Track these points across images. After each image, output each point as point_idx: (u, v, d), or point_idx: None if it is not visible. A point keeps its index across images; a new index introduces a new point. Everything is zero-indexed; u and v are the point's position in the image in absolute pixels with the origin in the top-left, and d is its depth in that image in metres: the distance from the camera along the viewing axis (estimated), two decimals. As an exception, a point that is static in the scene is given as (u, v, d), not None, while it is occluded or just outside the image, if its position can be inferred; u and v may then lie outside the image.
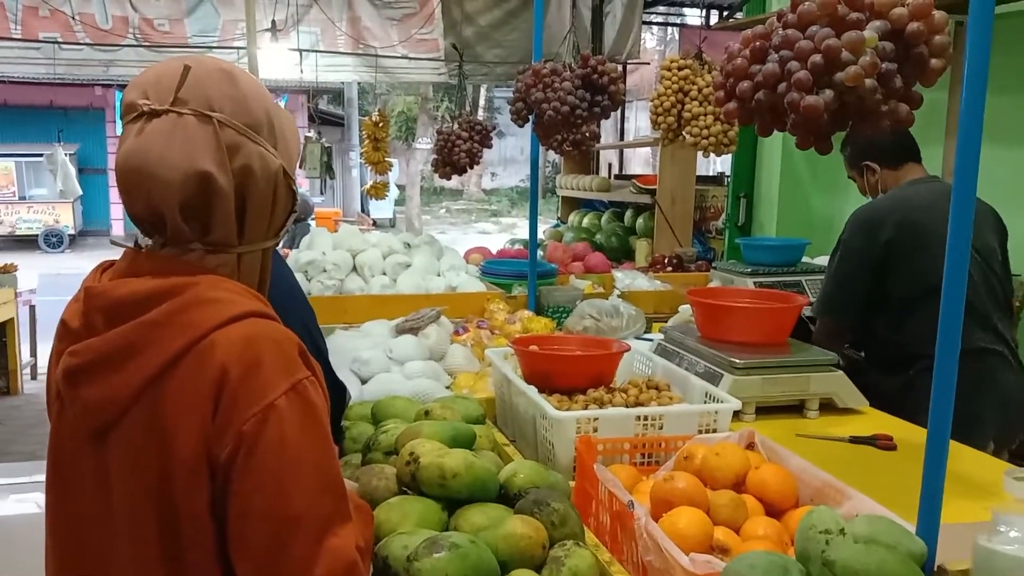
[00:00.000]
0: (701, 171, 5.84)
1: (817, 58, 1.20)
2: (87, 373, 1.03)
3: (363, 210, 16.10)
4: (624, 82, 3.02)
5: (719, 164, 10.66)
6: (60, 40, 5.09)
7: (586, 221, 6.04)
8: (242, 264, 1.11)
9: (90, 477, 1.06)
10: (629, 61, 6.07)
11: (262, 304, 1.08)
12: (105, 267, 1.13)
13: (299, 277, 3.22)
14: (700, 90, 3.07)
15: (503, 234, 17.93)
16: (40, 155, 15.66)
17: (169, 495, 1.00)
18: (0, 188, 17.02)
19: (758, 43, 1.33)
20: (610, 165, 7.76)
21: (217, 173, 1.03)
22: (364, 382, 2.35)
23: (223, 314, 1.02)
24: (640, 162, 16.57)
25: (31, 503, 4.05)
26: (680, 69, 3.13)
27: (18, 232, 17.23)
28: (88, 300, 1.07)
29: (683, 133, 3.15)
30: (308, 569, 0.98)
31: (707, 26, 6.63)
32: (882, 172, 2.67)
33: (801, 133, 1.27)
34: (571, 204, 6.68)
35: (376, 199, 6.56)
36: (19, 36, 5.03)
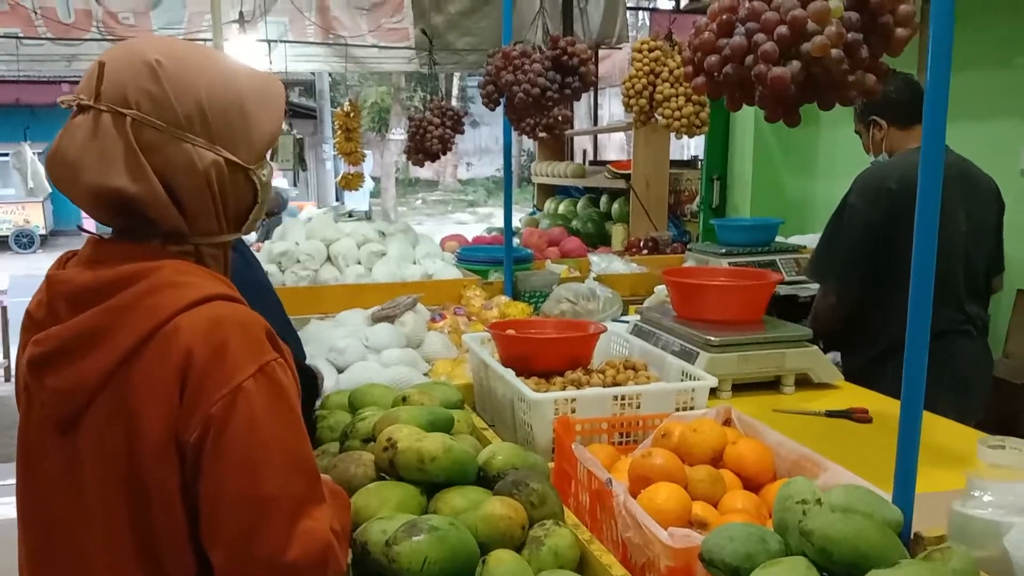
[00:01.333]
0: (675, 155, 5.86)
1: (783, 29, 1.20)
2: (52, 361, 1.01)
3: (337, 202, 15.99)
4: (596, 66, 3.01)
5: (692, 148, 10.70)
6: (21, 35, 4.99)
7: (562, 208, 6.04)
8: (203, 256, 1.09)
9: (61, 467, 1.05)
10: (615, 45, 6.04)
11: (228, 288, 1.07)
12: (68, 256, 1.12)
13: (272, 268, 3.19)
14: (671, 71, 3.08)
15: (480, 224, 17.89)
16: (6, 154, 15.40)
17: (139, 481, 0.99)
18: (-34, 188, 16.74)
19: (725, 16, 1.32)
20: (584, 151, 7.75)
21: (129, 184, 0.99)
22: (341, 371, 2.33)
23: (188, 297, 1.00)
24: (614, 148, 16.58)
25: (9, 506, 3.99)
26: (651, 51, 3.13)
27: (-12, 232, 16.98)
28: (51, 288, 1.05)
29: (655, 115, 3.15)
30: (282, 552, 0.97)
31: (677, 9, 6.63)
32: (889, 130, 2.59)
33: (769, 106, 1.26)
34: (546, 191, 6.67)
35: (350, 190, 6.51)
36: (-21, 32, 4.92)
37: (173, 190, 1.03)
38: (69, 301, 1.03)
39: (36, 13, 4.95)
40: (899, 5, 1.22)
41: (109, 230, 1.11)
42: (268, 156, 1.15)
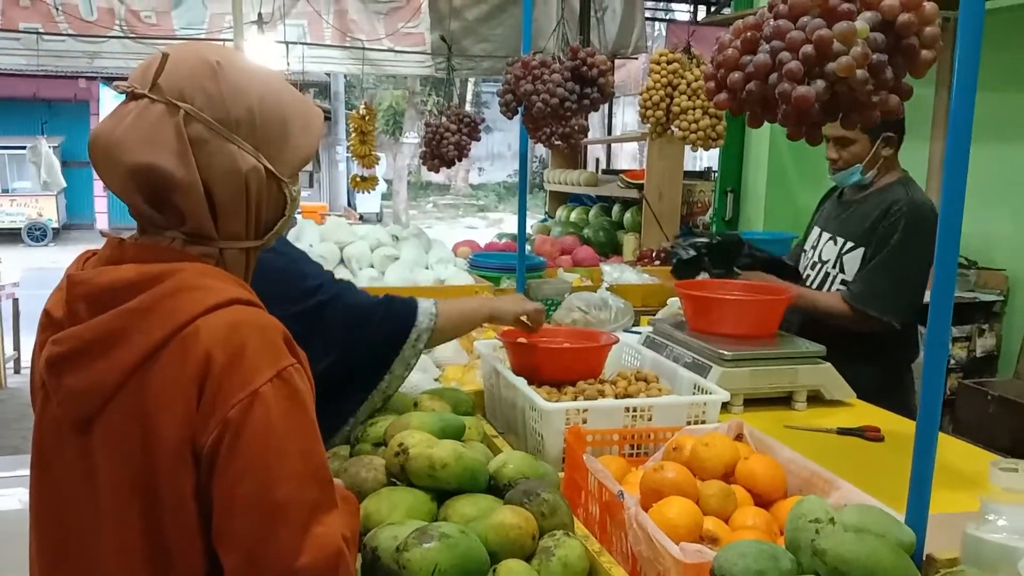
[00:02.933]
0: (688, 166, 5.86)
1: (808, 49, 1.20)
2: (71, 361, 1.02)
3: (350, 204, 16.04)
4: (612, 76, 3.02)
5: (706, 159, 10.68)
6: (42, 31, 5.03)
7: (574, 216, 6.04)
8: (225, 259, 1.10)
9: (75, 466, 1.05)
10: (631, 56, 6.06)
11: (247, 292, 1.08)
12: (88, 256, 1.13)
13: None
14: (689, 84, 3.07)
15: (491, 229, 17.86)
16: (23, 148, 15.50)
17: (153, 484, 1.00)
18: (-17, 181, 16.83)
19: (749, 34, 1.32)
20: (597, 160, 7.76)
21: (174, 167, 1.01)
22: (352, 374, 2.34)
23: (207, 301, 1.01)
24: (627, 157, 16.59)
25: (14, 499, 4.01)
26: (669, 63, 3.13)
27: (1, 225, 17.06)
28: (71, 288, 1.05)
29: (671, 127, 3.15)
30: (293, 557, 0.97)
31: (695, 21, 6.64)
32: (894, 152, 2.57)
33: (792, 124, 1.26)
34: (559, 199, 6.68)
35: (362, 192, 6.53)
36: (0, 26, 4.97)
37: (210, 188, 1.05)
38: (88, 302, 1.03)
39: (57, 9, 4.99)
40: (925, 27, 1.22)
41: (125, 232, 1.12)
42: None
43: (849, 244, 2.62)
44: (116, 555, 1.03)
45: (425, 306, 1.85)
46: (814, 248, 2.77)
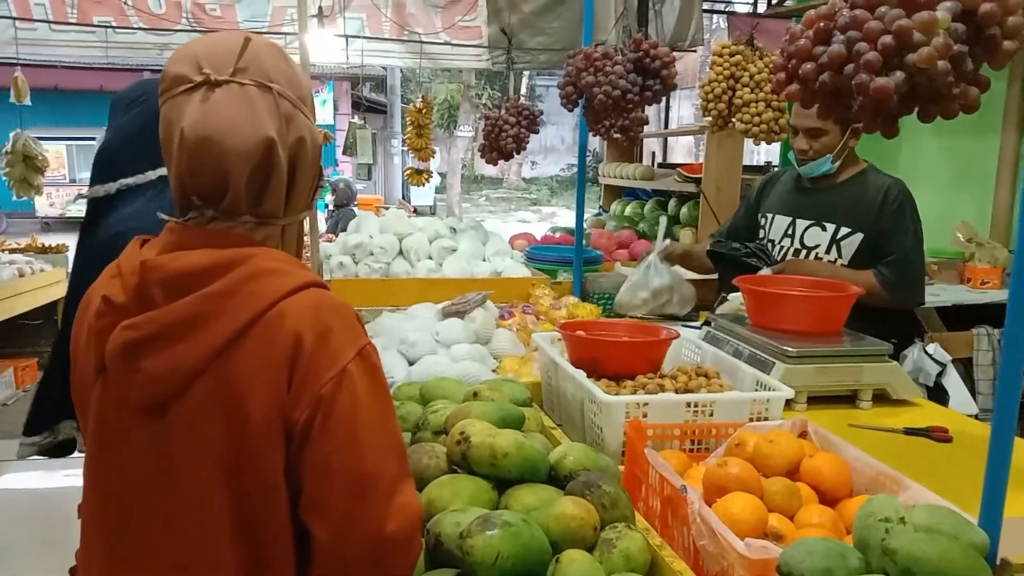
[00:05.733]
0: (746, 160, 5.76)
1: (887, 39, 1.17)
2: (148, 345, 1.03)
3: (404, 197, 16.19)
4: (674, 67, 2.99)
5: (764, 153, 10.51)
6: (114, 24, 5.18)
7: (629, 210, 6.00)
8: (285, 235, 1.15)
9: (145, 451, 1.06)
10: (688, 48, 5.99)
11: (316, 276, 1.12)
12: (142, 242, 1.13)
13: (346, 259, 3.25)
14: (752, 76, 3.03)
15: (543, 223, 17.87)
16: (92, 139, 15.97)
17: (240, 463, 1.02)
18: (52, 171, 17.25)
19: (822, 24, 1.30)
20: (653, 154, 7.70)
21: (279, 142, 1.07)
22: (411, 363, 2.37)
23: (287, 284, 1.05)
24: (683, 151, 16.42)
25: (80, 477, 4.16)
26: (732, 55, 3.09)
27: (69, 214, 17.61)
28: (145, 273, 1.05)
29: (733, 120, 3.11)
30: (381, 525, 1.02)
31: (755, 13, 6.53)
32: (857, 141, 2.67)
33: (868, 116, 1.24)
34: (614, 192, 6.64)
35: (416, 185, 6.60)
36: (75, 20, 5.13)
37: (295, 166, 1.12)
38: (164, 286, 1.04)
39: (128, 3, 5.13)
40: (1007, 17, 1.18)
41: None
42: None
43: (845, 230, 2.67)
44: (199, 536, 1.04)
45: None
46: (789, 236, 2.81)
